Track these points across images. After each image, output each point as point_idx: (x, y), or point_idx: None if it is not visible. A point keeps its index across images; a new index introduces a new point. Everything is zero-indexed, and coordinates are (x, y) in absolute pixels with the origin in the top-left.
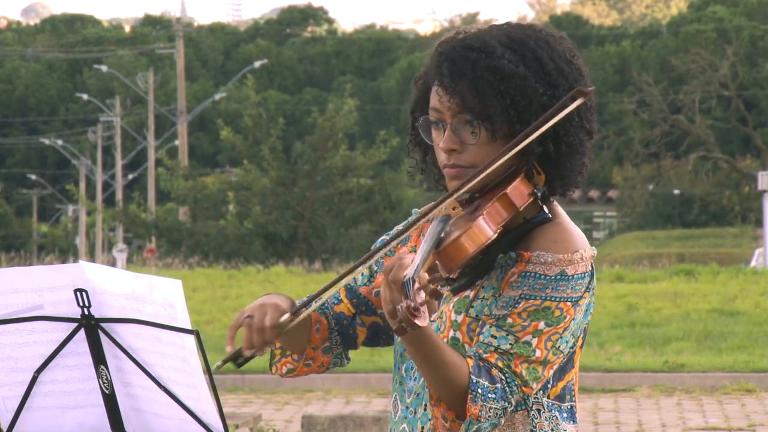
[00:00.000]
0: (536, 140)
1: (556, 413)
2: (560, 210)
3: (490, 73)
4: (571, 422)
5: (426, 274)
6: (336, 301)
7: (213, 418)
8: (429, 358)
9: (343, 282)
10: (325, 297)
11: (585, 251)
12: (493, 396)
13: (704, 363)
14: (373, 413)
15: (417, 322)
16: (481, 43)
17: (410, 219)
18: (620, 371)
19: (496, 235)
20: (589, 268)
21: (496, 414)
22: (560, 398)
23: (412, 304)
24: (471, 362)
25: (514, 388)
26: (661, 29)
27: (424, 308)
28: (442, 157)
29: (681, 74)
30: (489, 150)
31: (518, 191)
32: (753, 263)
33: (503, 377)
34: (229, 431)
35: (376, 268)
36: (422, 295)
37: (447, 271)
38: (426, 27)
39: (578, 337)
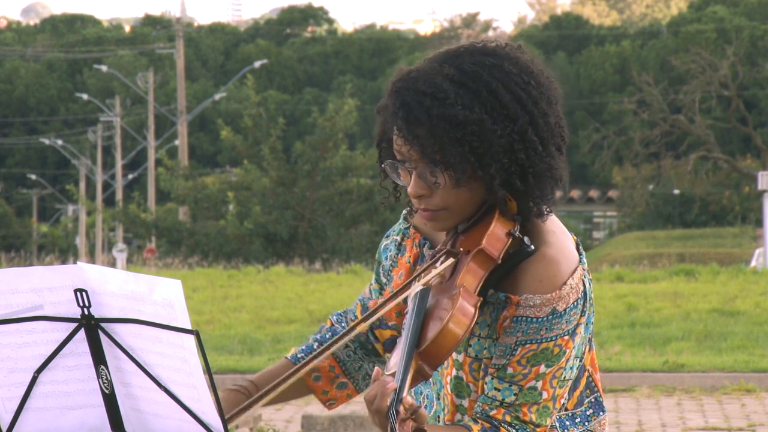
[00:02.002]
0: (499, 182)
1: (574, 425)
2: (545, 226)
3: (445, 121)
4: (600, 413)
5: (409, 399)
6: (353, 317)
7: (213, 418)
8: None
9: (304, 370)
10: (262, 402)
11: (573, 277)
12: None
13: (704, 363)
14: None
15: None
16: (433, 88)
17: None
18: (620, 371)
19: (476, 308)
20: (581, 290)
21: None
22: (579, 403)
23: None
24: (476, 430)
25: None
26: (661, 29)
27: None
28: (414, 201)
29: (681, 74)
30: (456, 193)
31: (495, 239)
32: (753, 263)
33: (513, 431)
34: (229, 431)
35: (385, 280)
36: (407, 429)
37: (434, 368)
38: (426, 27)
39: (584, 352)
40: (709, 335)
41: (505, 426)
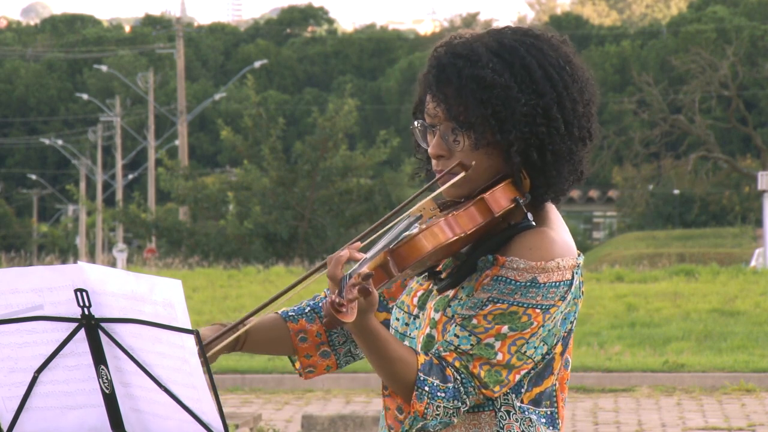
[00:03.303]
0: (517, 149)
1: (531, 416)
2: (552, 216)
3: (473, 81)
4: (551, 428)
5: (365, 270)
6: None
7: (213, 418)
8: (374, 352)
9: (268, 306)
10: (236, 333)
11: (564, 260)
12: (443, 395)
13: (704, 363)
14: (373, 413)
15: (339, 318)
16: (468, 51)
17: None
18: (620, 371)
19: (456, 237)
20: (568, 276)
21: (446, 413)
22: (535, 402)
23: (337, 300)
24: (423, 359)
25: (470, 389)
26: (661, 29)
27: (353, 305)
28: (432, 162)
29: (681, 74)
30: (474, 157)
31: (499, 197)
32: (753, 263)
33: (458, 377)
34: (229, 431)
35: None
36: (354, 291)
37: (399, 269)
38: (426, 27)
39: (554, 345)
40: (709, 335)
41: (452, 369)
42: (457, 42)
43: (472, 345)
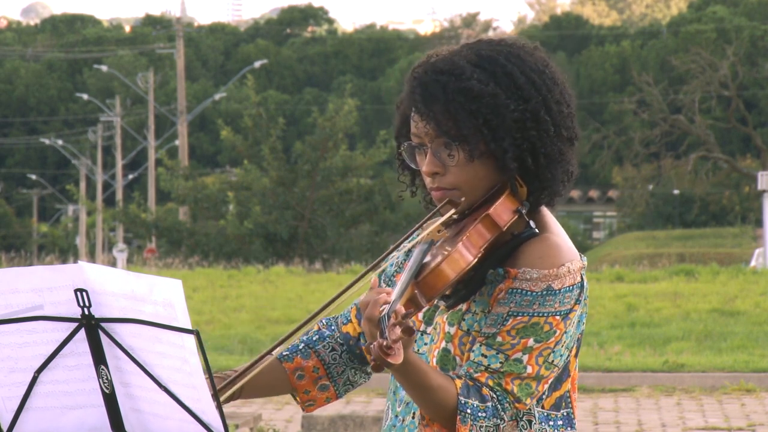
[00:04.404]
0: (512, 156)
1: (547, 426)
2: (550, 220)
3: (460, 94)
4: (569, 428)
5: (402, 308)
6: (345, 321)
7: (213, 418)
8: (415, 385)
9: (282, 346)
10: (240, 382)
11: (572, 263)
12: (484, 415)
13: (704, 363)
14: (373, 413)
15: (390, 360)
16: (450, 66)
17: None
18: (620, 371)
19: (476, 259)
20: (578, 279)
21: (488, 431)
22: (555, 407)
23: (385, 343)
24: (460, 383)
25: (506, 405)
26: (661, 29)
27: (399, 345)
28: (427, 181)
29: (681, 74)
30: (470, 170)
31: (502, 210)
32: (753, 263)
33: (494, 395)
34: (229, 431)
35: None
36: (397, 331)
37: (427, 300)
38: (426, 27)
39: (572, 348)
40: (709, 335)
41: (488, 388)
42: (435, 59)
43: (501, 363)
